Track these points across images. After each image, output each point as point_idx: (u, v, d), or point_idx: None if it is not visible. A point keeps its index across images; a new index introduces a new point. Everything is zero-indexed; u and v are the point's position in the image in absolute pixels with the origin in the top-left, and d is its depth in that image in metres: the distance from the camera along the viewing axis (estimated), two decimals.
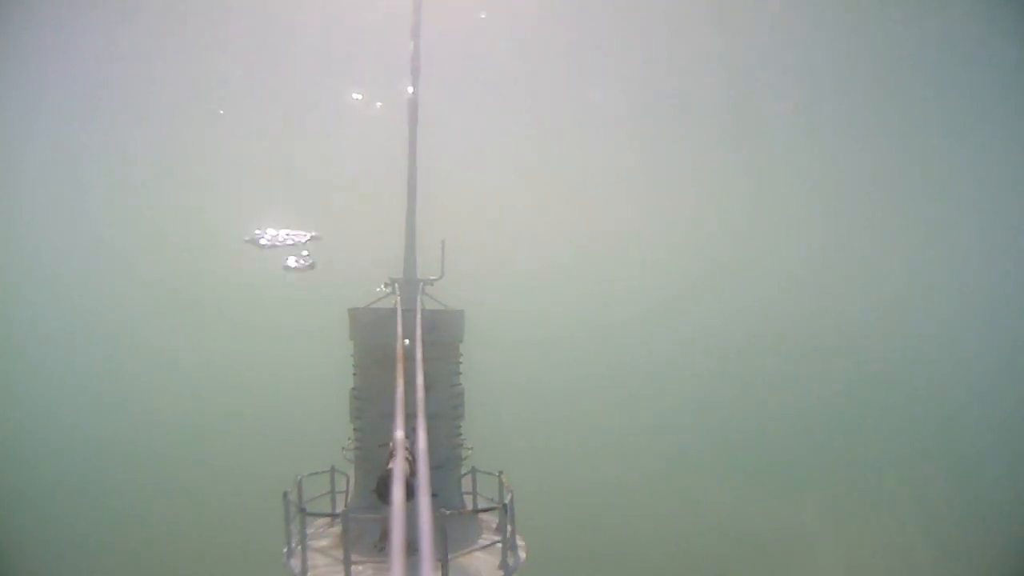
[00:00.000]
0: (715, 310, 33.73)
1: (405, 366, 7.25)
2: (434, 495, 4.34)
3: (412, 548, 4.46)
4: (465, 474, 11.82)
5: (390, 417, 10.19)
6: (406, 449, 9.21)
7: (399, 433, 5.30)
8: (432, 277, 12.17)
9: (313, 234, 27.45)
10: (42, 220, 31.35)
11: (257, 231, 27.25)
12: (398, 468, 4.34)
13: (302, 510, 9.19)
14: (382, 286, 12.09)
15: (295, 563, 9.15)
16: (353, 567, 8.28)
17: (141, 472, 28.84)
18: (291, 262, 27.25)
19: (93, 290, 31.36)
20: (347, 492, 11.92)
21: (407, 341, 8.75)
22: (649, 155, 33.98)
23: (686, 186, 34.14)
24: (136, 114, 31.58)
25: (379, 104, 30.34)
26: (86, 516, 27.57)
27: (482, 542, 10.08)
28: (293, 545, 9.47)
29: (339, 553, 8.47)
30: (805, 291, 33.63)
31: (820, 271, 33.92)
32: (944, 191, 33.47)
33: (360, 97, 31.59)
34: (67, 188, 31.77)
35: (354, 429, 11.59)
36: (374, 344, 11.17)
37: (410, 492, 4.81)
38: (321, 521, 10.82)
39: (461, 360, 12.01)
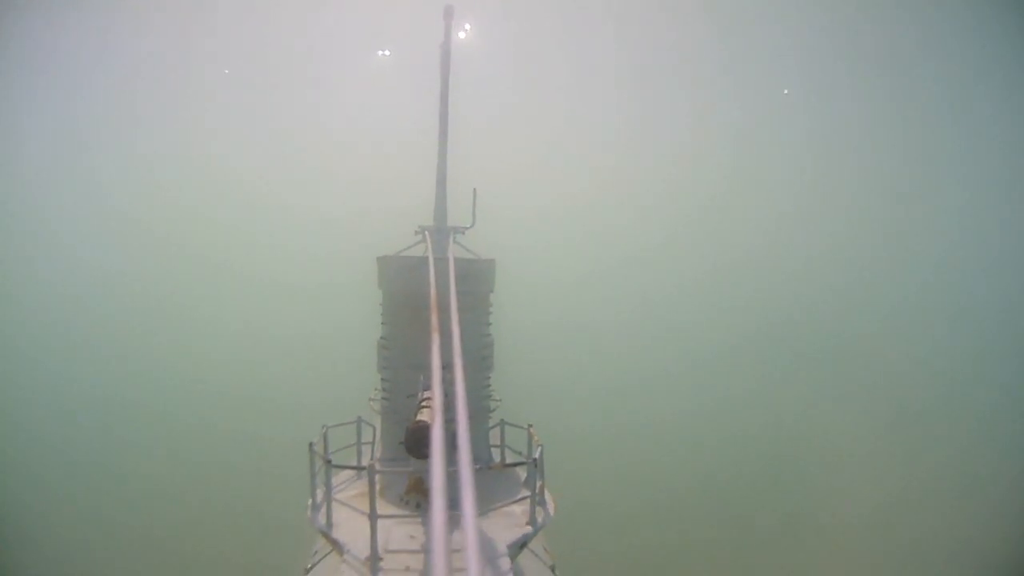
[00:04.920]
0: (752, 241, 33.50)
1: (436, 316, 6.95)
2: (455, 447, 4.05)
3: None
4: (493, 427, 11.61)
5: (419, 367, 10.08)
6: (430, 400, 9.03)
7: (436, 386, 4.99)
8: (463, 225, 11.88)
9: None
10: (60, 195, 31.44)
11: None
12: (437, 425, 4.03)
13: (328, 462, 8.99)
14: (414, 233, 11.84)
15: (320, 516, 8.98)
16: (379, 520, 8.07)
17: (163, 431, 29.01)
18: None
19: (118, 254, 31.48)
20: (373, 443, 11.76)
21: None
22: (682, 99, 33.72)
23: (715, 120, 34.12)
24: (166, 76, 31.62)
25: (410, 55, 30.04)
26: (114, 477, 27.89)
27: (510, 496, 9.86)
28: (318, 498, 9.29)
29: (365, 506, 8.25)
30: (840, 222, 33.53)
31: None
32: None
33: (388, 53, 31.43)
34: (88, 160, 31.84)
35: (381, 379, 11.37)
36: (404, 293, 10.90)
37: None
38: (346, 473, 10.67)
39: (491, 311, 11.73)
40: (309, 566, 10.28)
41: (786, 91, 33.66)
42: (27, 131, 30.77)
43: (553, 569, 10.77)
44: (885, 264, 33.40)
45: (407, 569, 7.79)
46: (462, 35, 12.75)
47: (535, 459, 9.39)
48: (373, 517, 7.97)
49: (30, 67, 29.75)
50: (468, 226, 11.93)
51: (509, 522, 9.18)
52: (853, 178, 33.67)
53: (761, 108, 33.68)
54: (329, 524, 8.82)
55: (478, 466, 8.63)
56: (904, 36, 30.99)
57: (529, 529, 9.06)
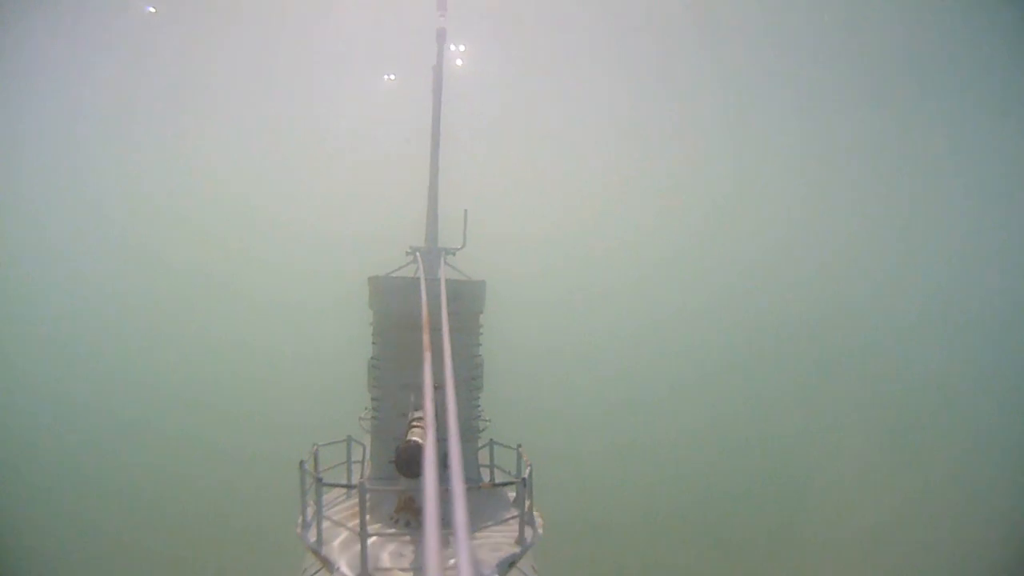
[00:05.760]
0: (738, 261, 33.59)
1: (424, 336, 7.06)
2: (446, 467, 4.17)
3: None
4: (482, 446, 11.70)
5: (409, 387, 10.20)
6: (422, 419, 9.11)
7: (428, 406, 5.10)
8: (454, 247, 12.01)
9: None
10: (53, 204, 31.42)
11: None
12: (430, 444, 4.14)
13: (318, 480, 9.06)
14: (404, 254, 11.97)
15: (310, 534, 9.04)
16: (369, 538, 8.15)
17: (153, 448, 28.84)
18: None
19: (106, 270, 31.41)
20: (363, 462, 11.82)
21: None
22: (680, 119, 34.08)
23: (714, 139, 34.39)
24: (159, 92, 31.79)
25: (404, 76, 30.29)
26: (103, 494, 27.74)
27: (499, 516, 9.94)
28: (308, 516, 9.36)
29: (354, 524, 8.34)
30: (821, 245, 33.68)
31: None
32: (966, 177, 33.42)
33: (394, 77, 31.70)
34: (81, 170, 31.83)
35: (372, 399, 11.45)
36: (394, 313, 11.02)
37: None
38: (336, 492, 10.72)
39: (481, 331, 11.85)
40: None
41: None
42: (19, 137, 30.82)
43: None
44: (886, 275, 33.41)
45: None
46: (459, 63, 12.92)
47: (524, 479, 9.48)
48: (363, 535, 8.05)
49: (24, 73, 29.83)
50: (459, 247, 12.06)
51: (498, 541, 9.25)
52: (857, 186, 33.70)
53: (762, 119, 33.74)
54: (319, 541, 8.88)
55: (467, 485, 8.70)
56: (909, 38, 31.02)
57: (518, 549, 9.13)
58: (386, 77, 32.08)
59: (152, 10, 29.94)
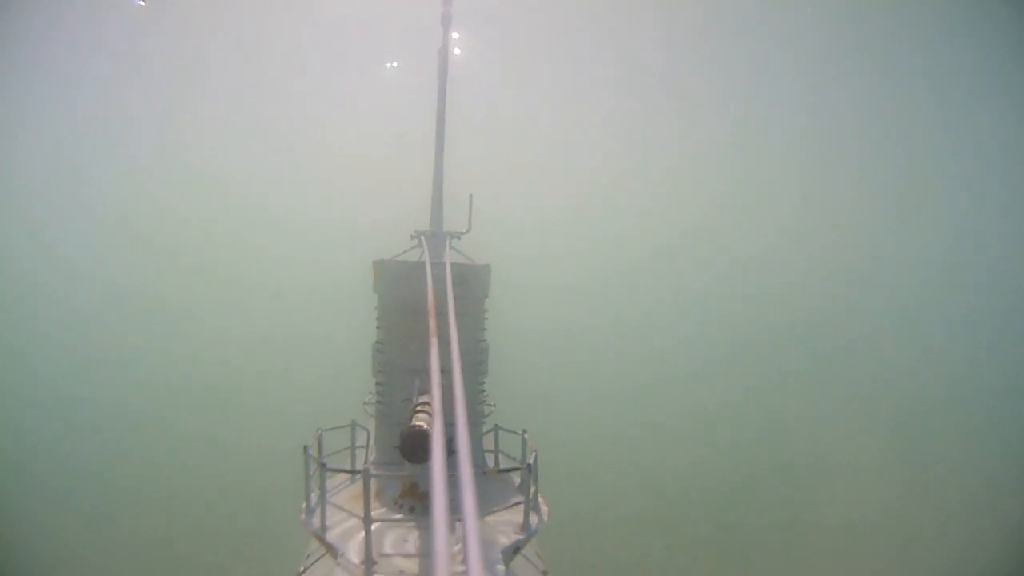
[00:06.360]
0: (748, 246, 33.50)
1: (431, 320, 6.97)
2: (451, 452, 4.09)
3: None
4: (487, 432, 11.63)
5: (414, 372, 10.13)
6: (429, 405, 9.05)
7: (435, 391, 5.02)
8: (459, 231, 11.92)
9: None
10: (53, 199, 31.45)
11: None
12: (436, 429, 4.06)
13: (322, 465, 8.99)
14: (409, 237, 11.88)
15: (314, 520, 8.99)
16: (373, 524, 8.10)
17: (157, 437, 28.83)
18: None
19: (114, 257, 31.42)
20: (367, 447, 11.77)
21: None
22: (679, 102, 33.90)
23: (714, 131, 34.28)
24: (163, 81, 31.70)
25: (407, 63, 30.23)
26: (107, 488, 27.72)
27: (504, 502, 9.88)
28: (312, 501, 9.31)
29: (359, 509, 8.28)
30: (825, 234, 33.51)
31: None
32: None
33: (396, 64, 31.64)
34: (81, 164, 31.88)
35: (376, 383, 11.38)
36: (399, 297, 10.92)
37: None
38: (340, 477, 10.67)
39: (486, 316, 11.76)
40: (302, 569, 10.27)
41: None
42: (18, 133, 30.74)
43: (546, 575, 10.80)
44: (885, 267, 33.37)
45: (401, 573, 7.81)
46: (458, 51, 12.73)
47: (529, 464, 9.41)
48: (367, 520, 7.99)
49: (23, 68, 29.75)
50: (464, 231, 11.97)
51: (503, 527, 9.19)
52: (854, 180, 33.66)
53: (758, 110, 33.76)
54: (323, 527, 8.83)
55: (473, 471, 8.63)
56: (909, 38, 30.99)
57: (523, 535, 9.08)
58: (388, 65, 31.96)
59: (141, 3, 29.83)
